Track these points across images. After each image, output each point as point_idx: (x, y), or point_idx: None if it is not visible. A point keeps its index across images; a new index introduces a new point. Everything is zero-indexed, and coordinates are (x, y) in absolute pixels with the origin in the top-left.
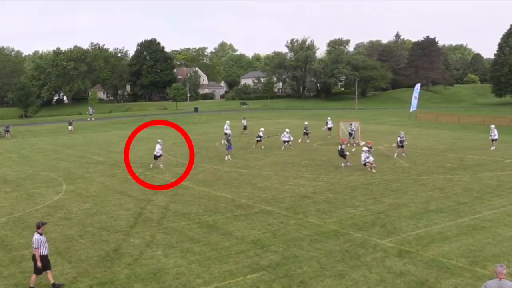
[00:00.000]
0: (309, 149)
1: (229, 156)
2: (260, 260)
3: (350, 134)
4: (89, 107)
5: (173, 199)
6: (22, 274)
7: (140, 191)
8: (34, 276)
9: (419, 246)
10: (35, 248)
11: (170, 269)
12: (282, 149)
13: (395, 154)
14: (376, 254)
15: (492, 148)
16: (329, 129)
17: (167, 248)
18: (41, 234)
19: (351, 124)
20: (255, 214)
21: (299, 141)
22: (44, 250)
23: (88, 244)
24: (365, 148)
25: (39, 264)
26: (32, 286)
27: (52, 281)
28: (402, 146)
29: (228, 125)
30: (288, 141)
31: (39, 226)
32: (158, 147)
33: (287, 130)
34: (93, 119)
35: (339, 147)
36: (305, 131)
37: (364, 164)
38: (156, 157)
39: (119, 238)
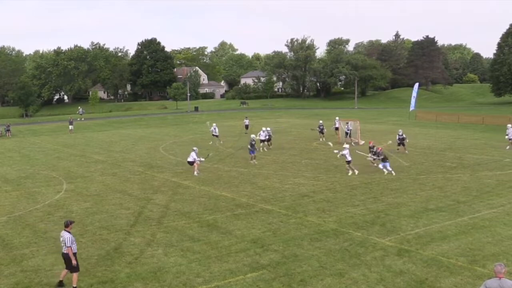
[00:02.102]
0: (308, 148)
1: (254, 160)
2: (260, 259)
3: (346, 133)
4: (79, 107)
5: (173, 198)
6: (22, 273)
7: (140, 190)
8: (74, 275)
9: (418, 245)
10: (68, 246)
11: (170, 268)
12: (260, 149)
13: (398, 150)
14: (376, 253)
15: (507, 147)
16: (337, 128)
17: (168, 247)
18: (69, 233)
19: (347, 123)
20: (255, 213)
21: (320, 139)
22: (75, 248)
23: (88, 243)
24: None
25: (74, 262)
26: (75, 286)
27: (61, 279)
28: (403, 144)
29: (215, 127)
30: (265, 141)
31: (67, 225)
32: (193, 154)
33: (263, 128)
34: (83, 118)
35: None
36: (318, 129)
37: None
38: (190, 163)
39: (119, 237)
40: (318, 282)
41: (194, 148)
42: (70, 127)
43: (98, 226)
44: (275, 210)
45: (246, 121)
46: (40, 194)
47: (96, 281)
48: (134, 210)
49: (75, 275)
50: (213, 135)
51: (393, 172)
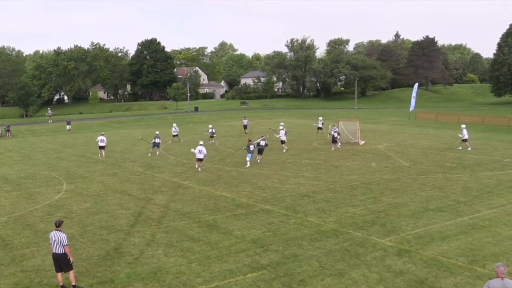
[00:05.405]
0: (308, 148)
1: (151, 153)
2: (260, 259)
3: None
4: (48, 109)
5: (173, 198)
6: (22, 273)
7: (140, 190)
8: (71, 273)
9: (418, 245)
10: (66, 244)
11: (170, 268)
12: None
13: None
14: (376, 253)
15: (459, 148)
16: (320, 128)
17: (168, 247)
18: (61, 231)
19: (335, 126)
20: (255, 213)
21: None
22: None
23: (88, 243)
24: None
25: (72, 259)
26: (74, 284)
27: (62, 283)
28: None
29: (175, 127)
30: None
31: (60, 224)
32: (103, 138)
33: (210, 126)
34: (51, 121)
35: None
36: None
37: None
38: (101, 148)
39: (119, 237)
40: (318, 282)
41: (103, 133)
42: (68, 127)
43: (98, 226)
44: (275, 210)
45: (245, 121)
46: (40, 194)
47: (96, 281)
48: (134, 210)
49: (71, 273)
50: (173, 135)
51: (248, 164)
